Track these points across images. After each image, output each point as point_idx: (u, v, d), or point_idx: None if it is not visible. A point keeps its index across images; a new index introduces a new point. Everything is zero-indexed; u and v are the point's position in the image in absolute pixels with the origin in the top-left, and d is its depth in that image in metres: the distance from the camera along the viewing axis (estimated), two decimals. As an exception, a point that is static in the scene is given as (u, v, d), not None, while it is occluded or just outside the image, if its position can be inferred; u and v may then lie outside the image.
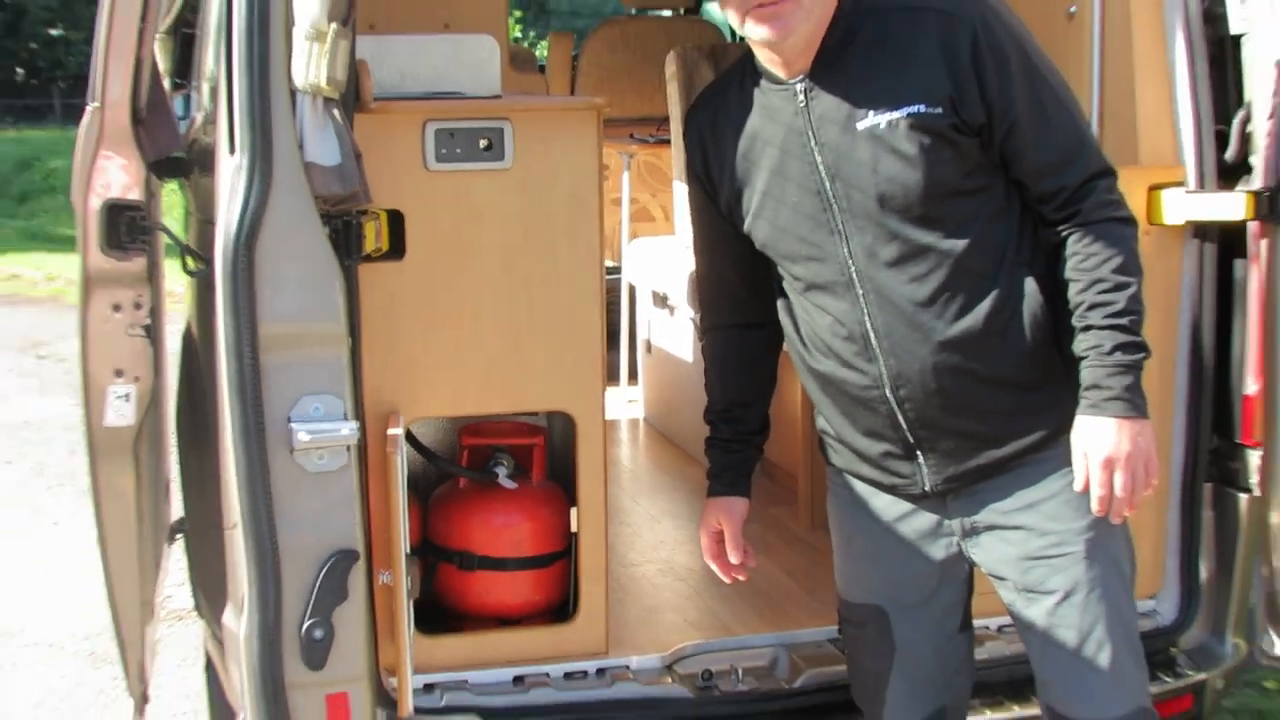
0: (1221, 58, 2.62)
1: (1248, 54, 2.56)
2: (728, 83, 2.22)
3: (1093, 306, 2.00)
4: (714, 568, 2.35)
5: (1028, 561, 2.14)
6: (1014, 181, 2.06)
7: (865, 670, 2.35)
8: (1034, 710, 2.31)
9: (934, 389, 2.07)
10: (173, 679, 3.60)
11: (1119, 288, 1.99)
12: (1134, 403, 1.99)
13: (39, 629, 4.32)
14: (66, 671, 4.01)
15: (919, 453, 2.14)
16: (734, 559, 2.31)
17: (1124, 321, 1.99)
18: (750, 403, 2.35)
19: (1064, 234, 2.04)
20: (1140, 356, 2.00)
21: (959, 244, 2.02)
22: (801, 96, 2.06)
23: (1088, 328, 2.01)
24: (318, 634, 1.92)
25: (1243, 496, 2.66)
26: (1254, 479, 2.63)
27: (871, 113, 2.00)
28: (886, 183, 2.00)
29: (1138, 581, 2.22)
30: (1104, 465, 1.99)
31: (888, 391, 2.09)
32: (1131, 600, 2.18)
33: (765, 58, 2.09)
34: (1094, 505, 2.01)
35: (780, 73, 2.08)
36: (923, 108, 1.97)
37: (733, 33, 6.13)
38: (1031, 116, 2.00)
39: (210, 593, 2.62)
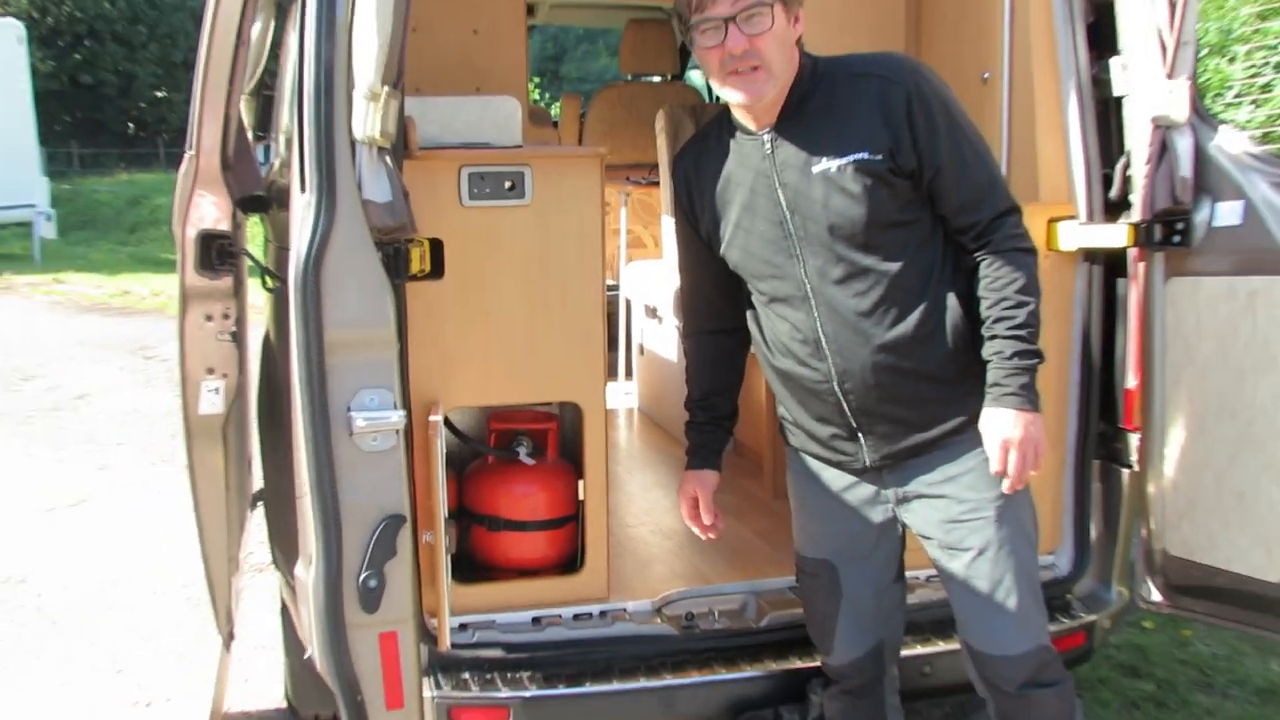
0: (1106, 115, 2.62)
1: (1128, 112, 2.56)
2: (707, 133, 2.22)
3: (998, 320, 2.01)
4: (693, 528, 2.35)
5: (949, 524, 2.14)
6: (939, 215, 2.06)
7: (818, 612, 2.35)
8: (955, 646, 2.30)
9: (873, 383, 2.07)
10: (254, 621, 3.59)
11: (1020, 305, 2.00)
12: (1028, 398, 2.01)
13: (145, 578, 4.32)
14: (167, 613, 4.01)
15: (860, 435, 2.14)
16: (706, 520, 2.32)
17: (1023, 333, 2.00)
18: (722, 393, 2.35)
19: (978, 259, 2.05)
20: (1035, 362, 2.02)
21: (894, 265, 2.03)
22: (768, 145, 2.06)
23: (993, 337, 2.02)
24: (372, 583, 1.92)
25: (1125, 471, 2.66)
26: (1134, 457, 2.63)
27: (824, 159, 2.00)
28: (836, 216, 2.01)
29: (1039, 540, 2.22)
30: (1001, 447, 2.02)
31: (835, 385, 2.10)
32: (1034, 555, 2.19)
33: (739, 114, 2.09)
34: (992, 476, 2.05)
35: (751, 126, 2.08)
36: (866, 155, 1.98)
37: (710, 94, 6.13)
38: (953, 163, 2.00)
39: (285, 549, 2.62)
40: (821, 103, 2.03)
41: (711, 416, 2.35)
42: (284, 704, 3.30)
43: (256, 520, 3.12)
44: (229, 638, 3.06)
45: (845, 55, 2.10)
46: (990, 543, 2.11)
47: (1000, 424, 2.02)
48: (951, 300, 2.07)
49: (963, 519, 2.13)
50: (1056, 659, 2.19)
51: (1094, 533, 2.72)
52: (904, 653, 2.45)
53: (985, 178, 2.04)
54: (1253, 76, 7.72)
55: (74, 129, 28.59)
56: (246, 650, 3.42)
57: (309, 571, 1.93)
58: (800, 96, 2.04)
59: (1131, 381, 2.61)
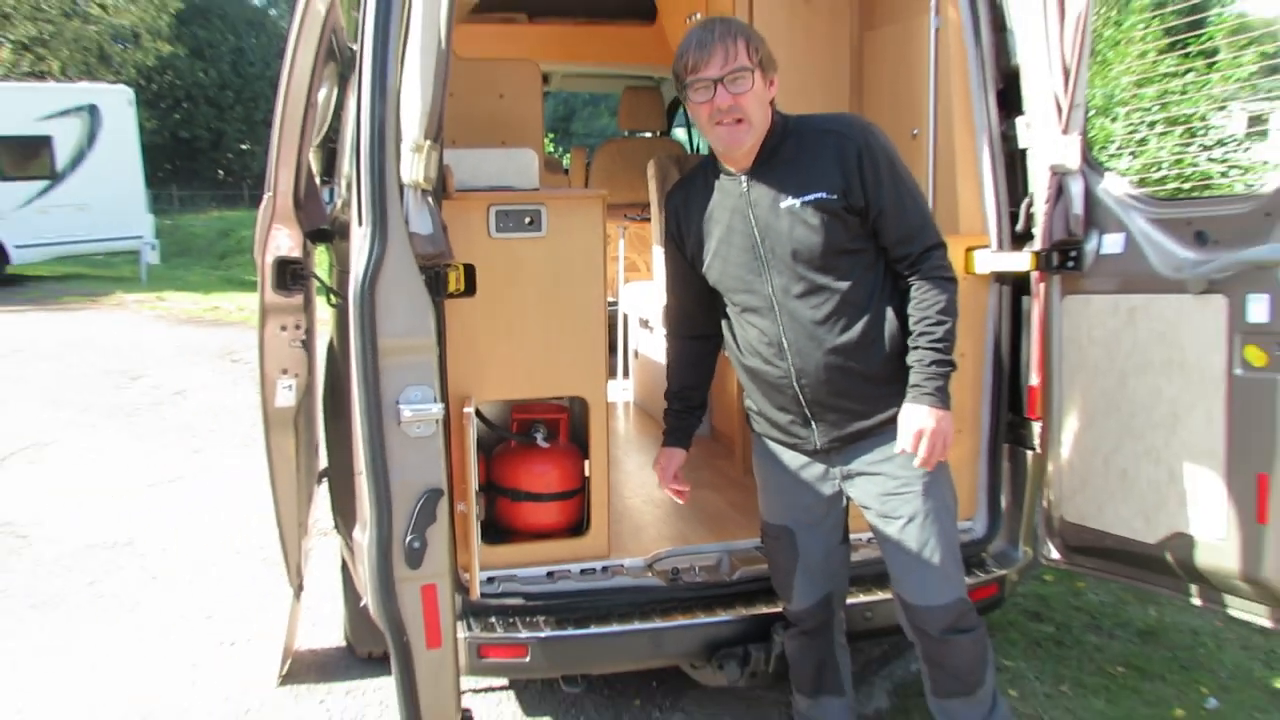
0: (1013, 164, 2.63)
1: (1031, 161, 2.57)
2: (695, 175, 2.22)
3: (922, 334, 2.02)
4: (667, 492, 2.35)
5: (885, 496, 2.14)
6: (881, 247, 2.06)
7: (779, 568, 2.35)
8: (888, 595, 2.31)
9: (824, 380, 2.07)
10: (319, 576, 3.58)
11: (939, 323, 2.01)
12: (941, 398, 2.02)
13: (230, 541, 4.30)
14: (247, 570, 3.99)
15: (813, 422, 2.14)
16: (676, 489, 2.33)
17: (940, 345, 2.01)
18: (695, 387, 2.35)
19: (910, 283, 2.06)
20: (949, 369, 2.03)
21: (844, 285, 2.03)
22: (744, 185, 2.06)
23: (917, 347, 2.03)
24: (416, 545, 1.91)
25: (1029, 453, 2.66)
26: (1036, 442, 2.63)
27: (790, 197, 2.01)
28: (797, 243, 2.01)
29: (959, 509, 2.22)
30: (915, 435, 2.02)
31: (793, 381, 2.09)
32: (954, 523, 2.19)
33: (722, 159, 2.09)
34: (910, 460, 2.05)
35: (731, 169, 2.08)
36: (823, 195, 1.98)
37: (691, 146, 6.13)
38: (893, 205, 2.01)
39: (345, 517, 2.61)
40: (789, 152, 2.04)
41: (685, 405, 2.35)
42: (344, 643, 3.29)
43: (321, 493, 3.11)
44: (299, 589, 3.05)
45: (809, 114, 2.11)
46: (918, 512, 2.11)
47: (916, 417, 2.02)
48: (890, 314, 2.07)
49: (896, 492, 2.13)
50: (972, 609, 2.19)
51: (1004, 503, 2.73)
52: (849, 601, 2.45)
53: (919, 218, 2.05)
54: (1131, 133, 7.77)
55: (174, 175, 28.48)
56: (313, 600, 3.40)
57: (365, 535, 1.93)
58: (772, 147, 2.04)
59: (1034, 380, 2.61)
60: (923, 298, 2.03)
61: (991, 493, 2.73)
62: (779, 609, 2.41)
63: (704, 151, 4.08)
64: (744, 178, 2.06)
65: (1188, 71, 7.86)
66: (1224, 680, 3.00)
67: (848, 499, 2.26)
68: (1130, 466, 2.45)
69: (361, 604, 2.27)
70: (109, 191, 14.45)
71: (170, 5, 23.42)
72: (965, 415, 2.66)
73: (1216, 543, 2.29)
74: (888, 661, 3.14)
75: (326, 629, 3.40)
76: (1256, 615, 2.31)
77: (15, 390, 7.41)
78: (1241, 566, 2.25)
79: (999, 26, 2.59)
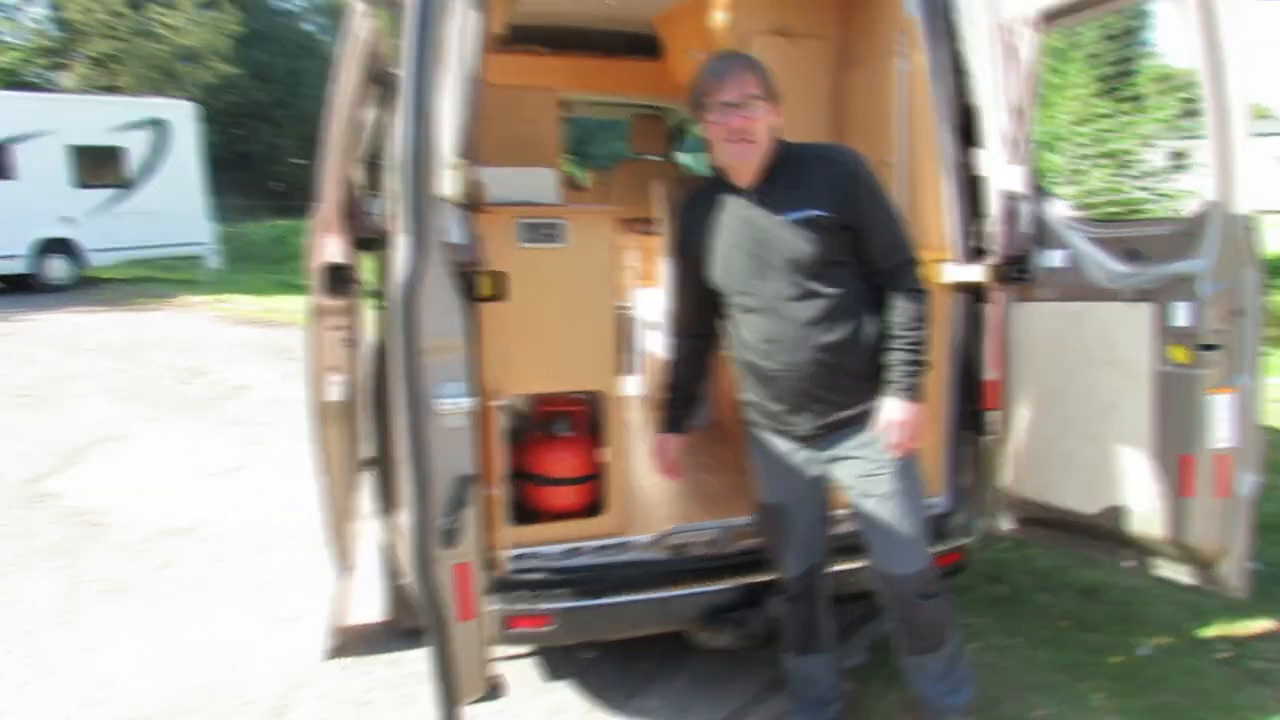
0: (972, 189, 2.61)
1: (987, 188, 2.56)
2: (702, 189, 2.19)
3: (898, 337, 2.03)
4: (662, 474, 2.33)
5: (863, 477, 2.13)
6: (864, 259, 2.05)
7: (772, 542, 2.33)
8: (864, 563, 2.28)
9: (812, 374, 2.06)
10: (364, 556, 3.54)
11: (914, 329, 2.01)
12: (913, 393, 2.01)
13: (286, 525, 4.25)
14: (301, 549, 3.93)
15: (801, 411, 2.12)
16: (670, 469, 2.31)
17: (914, 348, 2.01)
18: (693, 380, 2.32)
19: (889, 293, 2.05)
20: (921, 369, 2.02)
21: (833, 291, 2.02)
22: (749, 200, 2.04)
23: (893, 349, 2.02)
24: (450, 526, 1.89)
25: (987, 438, 2.65)
26: (993, 429, 2.63)
27: (789, 212, 2.00)
28: (794, 252, 2.00)
29: (926, 487, 2.21)
30: (891, 426, 2.01)
31: (786, 374, 2.08)
32: (922, 500, 2.17)
33: (730, 175, 2.07)
34: (883, 446, 2.05)
35: (738, 185, 2.06)
36: (818, 212, 1.97)
37: (693, 169, 6.06)
38: (877, 224, 2.01)
39: (387, 501, 2.58)
40: (790, 174, 2.03)
41: (683, 397, 2.32)
42: (386, 618, 3.24)
43: (367, 480, 3.08)
44: (348, 569, 3.02)
45: (806, 142, 2.11)
46: (892, 491, 2.10)
47: (892, 409, 2.03)
48: (870, 319, 2.06)
49: (872, 474, 2.11)
50: (937, 576, 2.18)
51: (965, 482, 2.71)
52: (832, 568, 2.42)
53: (898, 236, 2.05)
54: (1072, 165, 7.79)
55: (234, 186, 28.20)
56: (359, 578, 3.37)
57: (405, 517, 1.90)
58: (774, 168, 2.04)
59: (991, 375, 2.61)
60: (900, 306, 2.03)
61: (955, 473, 2.72)
62: (771, 578, 2.38)
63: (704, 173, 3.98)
64: (748, 193, 2.05)
65: (1119, 113, 7.89)
66: (1154, 631, 3.00)
67: (830, 480, 2.24)
68: (1074, 449, 2.45)
69: (401, 581, 2.24)
70: (175, 200, 14.08)
71: (227, 28, 22.65)
72: (931, 406, 2.63)
73: (1147, 514, 2.31)
74: (866, 622, 3.12)
75: (371, 604, 3.36)
76: (1181, 575, 2.34)
77: (91, 386, 7.35)
78: (1168, 533, 2.27)
79: (959, 70, 2.57)
